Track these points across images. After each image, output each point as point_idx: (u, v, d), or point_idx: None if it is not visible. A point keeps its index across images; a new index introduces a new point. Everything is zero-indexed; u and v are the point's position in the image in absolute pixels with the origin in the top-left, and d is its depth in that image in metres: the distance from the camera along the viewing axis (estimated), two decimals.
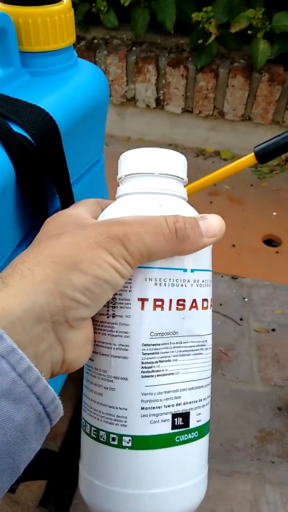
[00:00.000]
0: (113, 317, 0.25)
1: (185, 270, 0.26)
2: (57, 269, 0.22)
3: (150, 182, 0.28)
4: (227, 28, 1.23)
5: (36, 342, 0.21)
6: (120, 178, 0.29)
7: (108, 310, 0.25)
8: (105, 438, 0.25)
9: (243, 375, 0.80)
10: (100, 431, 0.26)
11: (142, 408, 0.25)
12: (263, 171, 1.41)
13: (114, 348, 0.25)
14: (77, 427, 0.67)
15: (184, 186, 0.30)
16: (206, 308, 0.27)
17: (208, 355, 0.27)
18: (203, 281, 0.27)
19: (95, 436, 0.26)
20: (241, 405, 0.75)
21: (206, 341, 0.27)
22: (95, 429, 0.26)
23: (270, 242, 1.16)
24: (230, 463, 0.67)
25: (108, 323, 0.25)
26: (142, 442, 0.25)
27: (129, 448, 0.25)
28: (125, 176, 0.28)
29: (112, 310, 0.25)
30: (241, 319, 0.91)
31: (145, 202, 0.27)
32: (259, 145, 0.63)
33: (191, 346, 0.26)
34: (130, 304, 0.25)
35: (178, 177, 0.28)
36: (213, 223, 0.26)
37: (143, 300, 0.25)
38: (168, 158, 0.28)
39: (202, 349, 0.27)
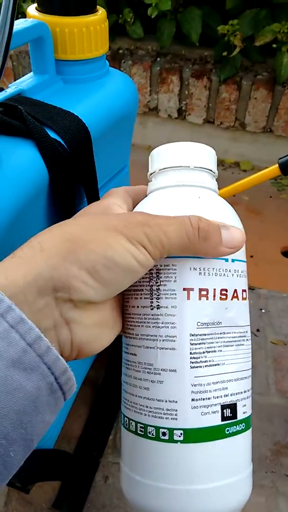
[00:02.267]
0: (157, 308, 0.25)
1: (226, 260, 0.26)
2: (67, 245, 0.22)
3: (187, 175, 0.28)
4: (251, 41, 1.24)
5: (39, 317, 0.21)
6: (153, 173, 0.29)
7: (152, 302, 0.25)
8: (154, 434, 0.25)
9: (259, 386, 0.79)
10: (148, 427, 0.25)
11: (193, 400, 0.25)
12: (282, 183, 1.40)
13: (160, 340, 0.25)
14: (92, 430, 0.68)
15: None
16: (245, 299, 0.27)
17: (248, 346, 0.27)
18: (241, 272, 0.27)
19: (142, 432, 0.25)
20: (256, 416, 0.75)
21: (246, 332, 0.27)
22: (141, 425, 0.25)
23: None
24: None
25: (152, 315, 0.25)
26: (194, 435, 0.25)
27: (181, 442, 0.24)
28: (159, 170, 0.28)
29: (157, 301, 0.25)
30: (257, 330, 0.91)
31: (184, 194, 0.27)
32: (283, 157, 0.64)
33: (234, 337, 0.26)
34: (175, 294, 0.25)
35: (211, 170, 0.28)
36: (235, 235, 0.26)
37: (188, 290, 0.25)
38: (201, 151, 0.28)
39: (243, 340, 0.27)
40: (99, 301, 0.23)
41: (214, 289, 0.25)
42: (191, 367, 0.25)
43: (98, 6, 0.43)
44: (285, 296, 1.00)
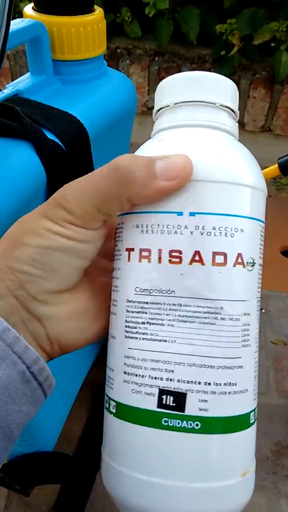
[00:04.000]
0: (114, 270, 0.24)
1: (179, 214, 0.21)
2: (4, 247, 0.22)
3: (173, 116, 0.24)
4: (249, 40, 1.24)
5: (3, 316, 0.21)
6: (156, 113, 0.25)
7: (113, 264, 0.24)
8: (105, 402, 0.23)
9: (260, 387, 0.79)
10: (105, 397, 0.23)
11: (125, 373, 0.22)
12: (281, 183, 1.40)
13: (112, 305, 0.23)
14: (92, 431, 0.67)
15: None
16: (223, 264, 0.21)
17: (230, 328, 0.21)
18: (214, 229, 0.21)
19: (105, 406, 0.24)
20: (257, 417, 0.75)
21: (221, 308, 0.21)
22: (106, 397, 0.24)
23: None
24: None
25: (113, 277, 0.24)
26: (125, 412, 0.22)
27: (114, 414, 0.22)
28: (156, 112, 0.25)
29: (114, 263, 0.23)
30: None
31: (151, 140, 0.24)
32: (283, 157, 0.63)
33: (196, 312, 0.21)
34: (120, 255, 0.23)
35: (208, 102, 0.23)
36: (174, 162, 0.21)
37: (129, 250, 0.22)
38: (195, 81, 0.24)
39: (215, 318, 0.21)
40: (58, 288, 0.23)
41: (160, 250, 0.21)
42: (125, 337, 0.22)
43: (95, 6, 0.42)
44: (285, 296, 0.99)
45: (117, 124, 0.44)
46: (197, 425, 0.21)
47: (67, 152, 0.35)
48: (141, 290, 0.21)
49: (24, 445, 0.49)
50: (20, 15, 0.41)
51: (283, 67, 1.21)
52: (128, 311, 0.22)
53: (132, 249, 0.22)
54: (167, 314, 0.21)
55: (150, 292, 0.21)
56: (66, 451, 0.66)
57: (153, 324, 0.21)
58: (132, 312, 0.22)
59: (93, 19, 0.41)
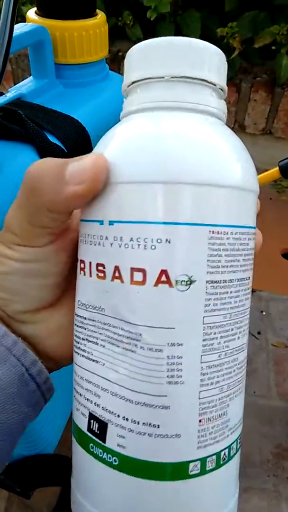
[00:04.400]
0: None
1: (101, 222, 0.18)
2: None
3: (139, 95, 0.20)
4: (250, 43, 1.24)
5: None
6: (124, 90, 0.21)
7: None
8: None
9: (260, 389, 0.79)
10: None
11: (74, 388, 0.20)
12: (282, 185, 1.40)
13: None
14: None
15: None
16: (141, 283, 0.17)
17: (150, 360, 0.17)
18: (132, 240, 0.17)
19: None
20: (257, 419, 0.74)
21: (140, 335, 0.17)
22: None
23: None
24: (247, 478, 0.67)
25: None
26: (73, 426, 0.20)
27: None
28: (126, 88, 0.21)
29: None
30: (258, 333, 0.90)
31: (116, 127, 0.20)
32: (283, 160, 0.64)
33: (121, 335, 0.18)
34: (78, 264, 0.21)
35: (181, 77, 0.19)
36: (83, 164, 0.18)
37: (78, 261, 0.20)
38: (167, 50, 0.19)
39: (136, 345, 0.17)
40: (32, 309, 0.22)
41: (90, 262, 0.19)
42: (74, 350, 0.21)
43: (97, 10, 0.43)
44: (286, 298, 0.99)
45: None
46: (115, 460, 0.18)
47: (69, 155, 0.35)
48: (81, 305, 0.20)
49: (25, 447, 0.49)
50: (23, 19, 0.41)
51: (283, 70, 1.21)
52: (75, 325, 0.20)
53: (77, 260, 0.20)
54: (100, 333, 0.19)
55: (87, 308, 0.19)
56: (66, 454, 0.66)
57: (90, 341, 0.19)
58: (77, 326, 0.20)
59: (95, 23, 0.41)
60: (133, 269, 0.17)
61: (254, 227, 0.20)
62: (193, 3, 1.23)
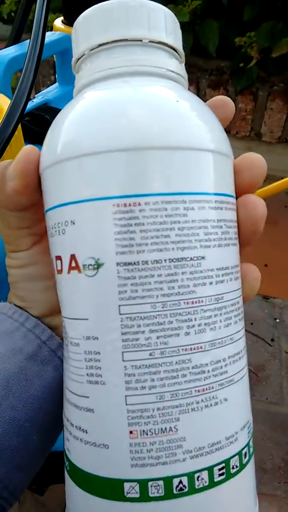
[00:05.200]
0: None
1: (46, 211, 0.17)
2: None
3: (88, 66, 0.18)
4: (268, 53, 1.25)
5: None
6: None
7: None
8: None
9: (273, 396, 0.79)
10: None
11: None
12: None
13: None
14: None
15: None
16: (60, 272, 0.16)
17: (73, 354, 0.16)
18: (53, 227, 0.16)
19: None
20: (269, 426, 0.75)
21: (65, 327, 0.17)
22: None
23: None
24: (257, 484, 0.67)
25: None
26: None
27: None
28: (75, 63, 0.19)
29: None
30: (272, 340, 0.90)
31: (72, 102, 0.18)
32: None
33: (73, 336, 0.17)
34: None
35: (130, 39, 0.17)
36: (15, 159, 0.18)
37: None
38: (113, 13, 0.17)
39: (66, 338, 0.17)
40: (45, 312, 0.23)
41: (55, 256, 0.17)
42: None
43: None
44: None
45: None
46: (67, 465, 0.17)
47: None
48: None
49: None
50: (49, 28, 0.43)
51: None
52: None
53: None
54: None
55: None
56: None
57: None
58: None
59: None
60: (56, 258, 0.16)
61: (211, 193, 0.16)
62: (212, 13, 1.25)
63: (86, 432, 0.15)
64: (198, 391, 0.15)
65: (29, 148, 0.18)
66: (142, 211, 0.14)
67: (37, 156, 0.18)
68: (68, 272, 0.15)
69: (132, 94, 0.16)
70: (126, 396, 0.15)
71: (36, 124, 0.35)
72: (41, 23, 0.29)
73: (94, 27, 0.17)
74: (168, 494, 0.14)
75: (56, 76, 0.42)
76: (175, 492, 0.14)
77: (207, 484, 0.15)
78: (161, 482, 0.14)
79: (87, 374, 0.15)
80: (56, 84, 0.43)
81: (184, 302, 0.15)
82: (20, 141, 0.29)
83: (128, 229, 0.14)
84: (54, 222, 0.16)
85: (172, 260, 0.15)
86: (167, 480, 0.14)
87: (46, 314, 0.22)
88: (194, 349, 0.15)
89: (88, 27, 0.17)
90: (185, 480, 0.15)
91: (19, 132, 0.29)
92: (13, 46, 0.35)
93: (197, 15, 1.25)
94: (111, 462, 0.15)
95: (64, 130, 0.16)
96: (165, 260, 0.15)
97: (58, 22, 0.43)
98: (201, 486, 0.15)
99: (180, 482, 0.15)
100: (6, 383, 0.20)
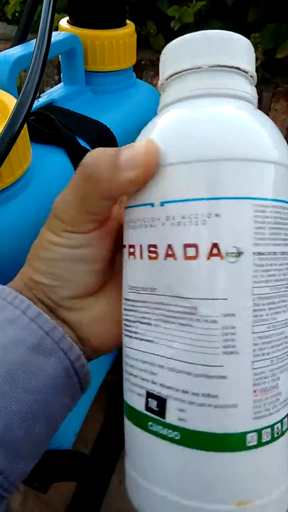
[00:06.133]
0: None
1: (152, 205, 0.19)
2: (28, 258, 0.24)
3: (176, 86, 0.21)
4: (272, 54, 1.25)
5: None
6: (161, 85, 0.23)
7: None
8: None
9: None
10: None
11: (125, 371, 0.22)
12: None
13: None
14: (108, 433, 0.68)
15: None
16: (194, 257, 0.18)
17: (207, 331, 0.18)
18: (184, 218, 0.18)
19: None
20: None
21: (195, 308, 0.18)
22: None
23: None
24: None
25: None
26: (126, 409, 0.21)
27: (124, 413, 0.22)
28: (163, 82, 0.23)
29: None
30: None
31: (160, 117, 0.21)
32: None
33: (175, 312, 0.19)
34: (123, 251, 0.22)
35: (223, 66, 0.20)
36: (135, 150, 0.19)
37: (124, 246, 0.22)
38: (203, 43, 0.20)
39: (191, 319, 0.18)
40: (77, 295, 0.23)
41: (141, 245, 0.20)
42: (124, 335, 0.22)
43: (127, 20, 0.44)
44: None
45: None
46: (176, 435, 0.19)
47: None
48: (131, 288, 0.21)
49: None
50: (55, 28, 0.43)
51: None
52: (125, 309, 0.21)
53: (124, 245, 0.21)
54: (153, 313, 0.20)
55: (138, 290, 0.20)
56: (82, 450, 0.67)
57: (142, 323, 0.20)
58: (127, 310, 0.21)
59: (125, 33, 0.42)
60: (186, 245, 0.18)
61: None
62: (217, 14, 1.25)
63: (217, 397, 0.18)
64: (286, 355, 0.20)
65: (150, 141, 0.19)
66: (271, 212, 0.18)
67: (156, 150, 0.19)
68: (208, 258, 0.18)
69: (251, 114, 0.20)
70: (253, 362, 0.18)
71: (42, 123, 0.35)
72: (48, 23, 0.29)
73: (184, 52, 0.21)
74: (272, 438, 0.19)
75: (61, 76, 0.43)
76: (275, 435, 0.19)
77: (286, 428, 0.20)
78: (269, 429, 0.19)
79: (224, 346, 0.18)
80: (61, 84, 0.43)
81: (284, 287, 0.19)
82: (26, 140, 0.29)
83: (262, 225, 0.18)
84: (183, 214, 0.18)
85: (282, 253, 0.19)
86: (272, 427, 0.19)
87: (76, 296, 0.23)
88: (286, 324, 0.19)
89: (180, 52, 0.21)
90: (279, 425, 0.19)
91: (25, 131, 0.29)
92: (19, 45, 0.35)
93: (202, 16, 1.25)
94: (239, 419, 0.18)
95: (200, 134, 0.19)
96: (279, 253, 0.19)
97: (64, 22, 0.43)
98: (284, 429, 0.20)
99: (278, 427, 0.19)
100: (9, 376, 0.20)
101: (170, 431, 0.19)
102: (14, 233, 0.29)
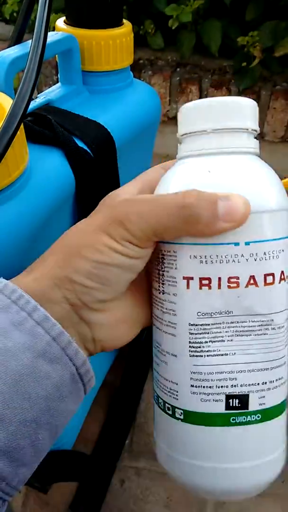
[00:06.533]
0: (162, 293, 0.25)
1: (236, 244, 0.23)
2: (63, 257, 0.23)
3: (203, 142, 0.25)
4: (271, 52, 1.25)
5: (58, 319, 0.22)
6: (179, 137, 0.27)
7: (159, 286, 0.25)
8: (163, 407, 0.26)
9: None
10: (160, 399, 0.27)
11: (192, 386, 0.25)
12: None
13: (164, 324, 0.25)
14: (109, 433, 0.68)
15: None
16: (272, 283, 0.24)
17: (277, 334, 0.25)
18: (265, 254, 0.23)
19: (158, 405, 0.27)
20: None
21: (272, 320, 0.24)
22: (160, 399, 0.27)
23: None
24: None
25: (159, 299, 0.26)
26: (193, 417, 0.25)
27: (182, 420, 0.25)
28: (181, 136, 0.26)
29: (162, 286, 0.25)
30: None
31: (195, 168, 0.25)
32: None
33: (251, 326, 0.24)
34: (176, 282, 0.24)
35: (239, 128, 0.25)
36: (235, 206, 0.22)
37: (188, 279, 0.24)
38: (222, 108, 0.25)
39: (267, 329, 0.24)
40: (109, 298, 0.24)
41: (219, 278, 0.23)
42: (190, 355, 0.24)
43: (124, 20, 0.44)
44: None
45: (142, 133, 0.46)
46: (258, 416, 0.25)
47: (94, 159, 0.37)
48: (203, 314, 0.24)
49: None
50: (51, 28, 0.43)
51: None
52: (191, 333, 0.24)
53: (191, 278, 0.24)
54: (226, 332, 0.24)
55: (211, 315, 0.24)
56: (82, 451, 0.67)
57: (215, 341, 0.24)
58: (196, 333, 0.24)
59: (122, 33, 0.42)
60: (266, 275, 0.24)
61: None
62: (214, 13, 1.25)
63: (282, 378, 0.25)
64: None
65: (246, 201, 0.22)
66: None
67: (249, 207, 0.22)
68: (279, 282, 0.24)
69: None
70: None
71: (39, 124, 0.35)
72: (43, 23, 0.29)
73: (193, 117, 0.26)
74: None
75: (58, 76, 0.43)
76: None
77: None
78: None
79: (285, 341, 0.25)
80: (59, 84, 0.43)
81: None
82: (22, 141, 0.29)
83: None
84: (265, 251, 0.23)
85: None
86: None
87: (108, 299, 0.24)
88: None
89: (194, 114, 0.26)
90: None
91: (21, 132, 0.29)
92: (15, 46, 0.35)
93: (200, 14, 1.25)
94: (286, 389, 0.26)
95: (279, 187, 0.25)
96: None
97: (60, 22, 0.43)
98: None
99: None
100: (14, 383, 0.20)
101: (253, 416, 0.24)
102: (12, 234, 0.29)
